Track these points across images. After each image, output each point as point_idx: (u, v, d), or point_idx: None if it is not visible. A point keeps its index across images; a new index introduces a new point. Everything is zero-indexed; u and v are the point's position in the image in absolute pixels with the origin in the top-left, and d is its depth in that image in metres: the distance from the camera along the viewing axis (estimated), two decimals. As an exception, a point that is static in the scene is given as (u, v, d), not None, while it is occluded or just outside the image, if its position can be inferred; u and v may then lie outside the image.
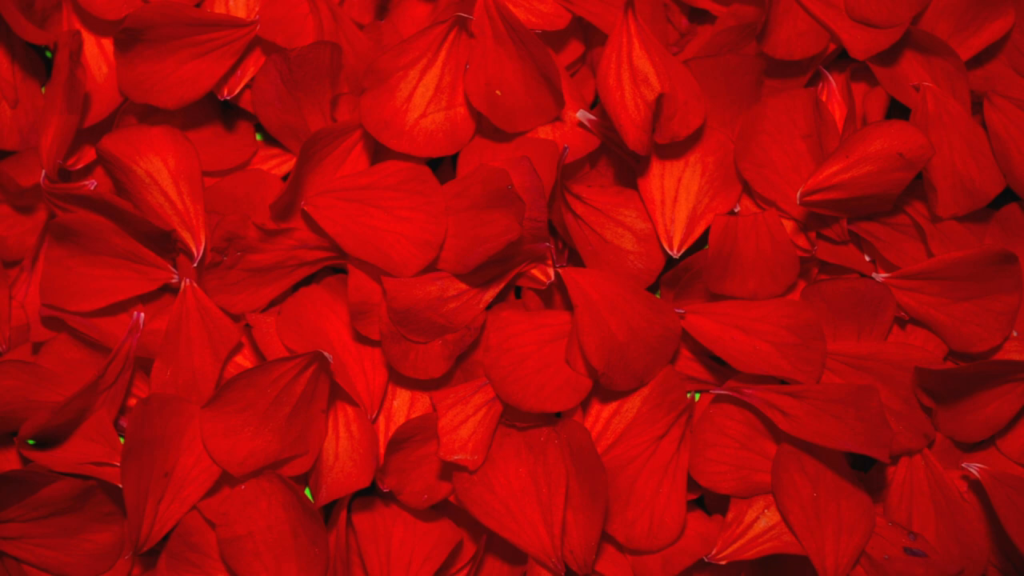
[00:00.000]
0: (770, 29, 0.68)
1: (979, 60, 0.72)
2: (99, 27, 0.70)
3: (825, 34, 0.69)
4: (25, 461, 0.68)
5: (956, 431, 0.68)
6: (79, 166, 0.70)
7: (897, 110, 0.71)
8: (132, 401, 0.69)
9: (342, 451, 0.67)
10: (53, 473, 0.66)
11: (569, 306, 0.67)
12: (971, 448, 0.69)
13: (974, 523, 0.68)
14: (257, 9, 0.69)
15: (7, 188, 0.69)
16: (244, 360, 0.69)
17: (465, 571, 0.69)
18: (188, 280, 0.67)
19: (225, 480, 0.67)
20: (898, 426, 0.68)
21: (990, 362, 0.68)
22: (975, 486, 0.68)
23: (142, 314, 0.68)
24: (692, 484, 0.67)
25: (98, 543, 0.68)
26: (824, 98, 0.71)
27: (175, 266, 0.68)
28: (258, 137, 0.72)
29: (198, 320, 0.67)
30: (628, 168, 0.70)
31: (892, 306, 0.68)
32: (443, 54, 0.67)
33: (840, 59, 0.71)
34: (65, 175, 0.69)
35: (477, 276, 0.66)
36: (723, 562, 0.67)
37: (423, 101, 0.68)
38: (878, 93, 0.71)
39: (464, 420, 0.66)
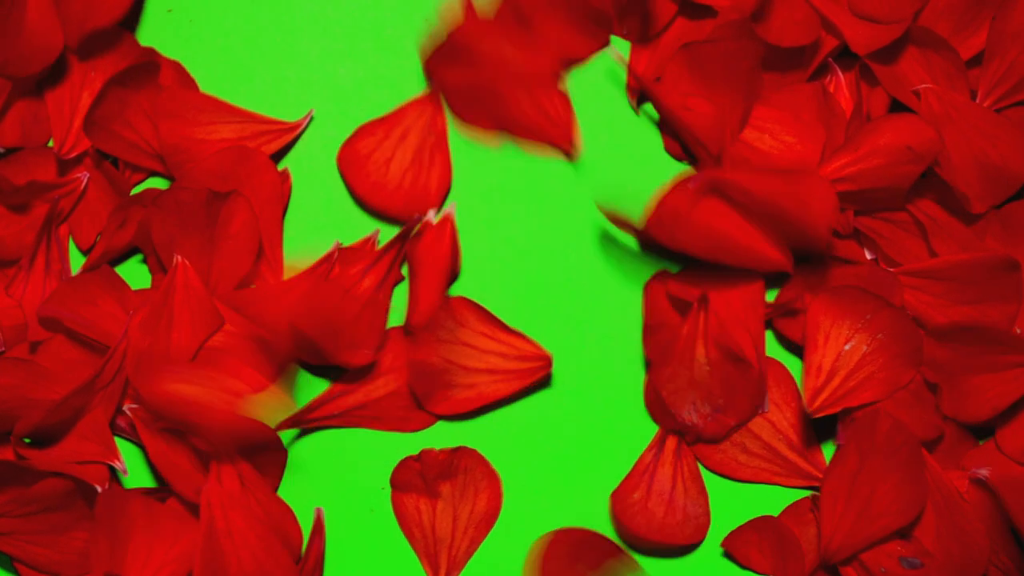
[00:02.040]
0: (767, 13, 0.68)
1: (979, 60, 0.72)
2: None
3: (818, 25, 0.69)
4: (20, 459, 0.66)
5: (960, 412, 0.67)
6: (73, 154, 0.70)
7: (901, 110, 0.71)
8: (128, 401, 0.67)
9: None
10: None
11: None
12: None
13: (974, 523, 0.66)
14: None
15: (0, 187, 0.69)
16: (224, 340, 0.68)
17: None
18: (181, 256, 0.67)
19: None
20: (908, 417, 0.67)
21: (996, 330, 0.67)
22: (977, 484, 0.67)
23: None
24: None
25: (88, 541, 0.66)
26: (832, 90, 0.70)
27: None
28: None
29: (184, 297, 0.66)
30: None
31: (900, 293, 0.67)
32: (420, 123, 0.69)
33: (844, 56, 0.71)
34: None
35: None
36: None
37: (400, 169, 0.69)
38: (881, 92, 0.71)
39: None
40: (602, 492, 0.69)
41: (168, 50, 0.70)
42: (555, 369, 0.69)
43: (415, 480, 0.67)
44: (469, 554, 0.68)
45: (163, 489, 0.68)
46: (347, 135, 0.70)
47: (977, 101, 0.69)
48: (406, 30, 0.71)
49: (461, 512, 0.68)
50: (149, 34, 0.71)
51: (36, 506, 0.65)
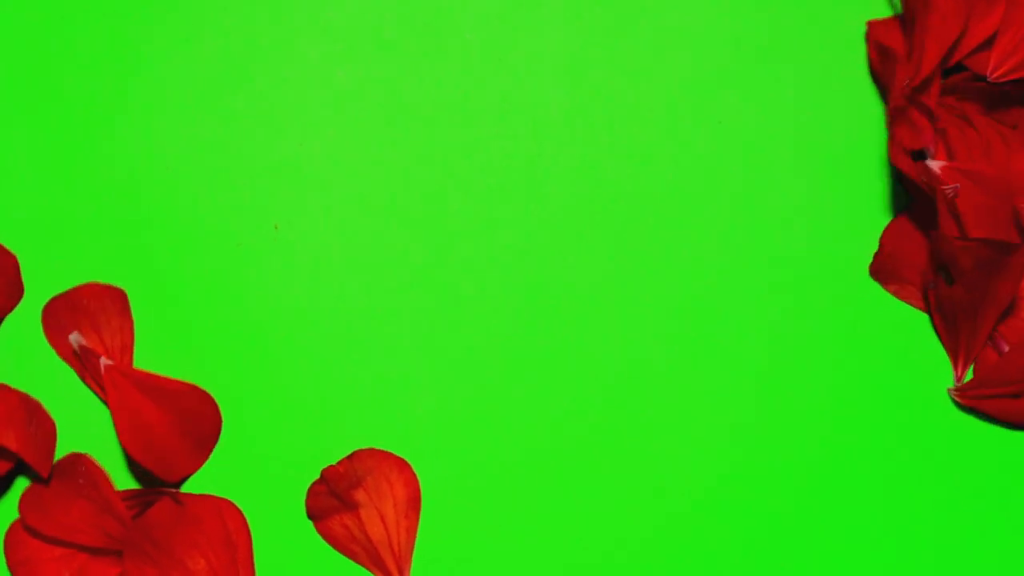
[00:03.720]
0: None
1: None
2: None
3: None
4: None
5: None
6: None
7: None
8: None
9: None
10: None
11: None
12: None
13: None
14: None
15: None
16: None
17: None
18: None
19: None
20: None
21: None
22: None
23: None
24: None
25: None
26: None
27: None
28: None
29: None
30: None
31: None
32: None
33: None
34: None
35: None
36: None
37: None
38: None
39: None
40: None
41: (167, 50, 0.71)
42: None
43: (329, 501, 0.67)
44: (411, 543, 0.68)
45: (156, 490, 0.67)
46: (346, 137, 0.70)
47: (988, 73, 0.69)
48: (406, 30, 0.71)
49: (385, 508, 0.68)
50: (148, 34, 0.71)
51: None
